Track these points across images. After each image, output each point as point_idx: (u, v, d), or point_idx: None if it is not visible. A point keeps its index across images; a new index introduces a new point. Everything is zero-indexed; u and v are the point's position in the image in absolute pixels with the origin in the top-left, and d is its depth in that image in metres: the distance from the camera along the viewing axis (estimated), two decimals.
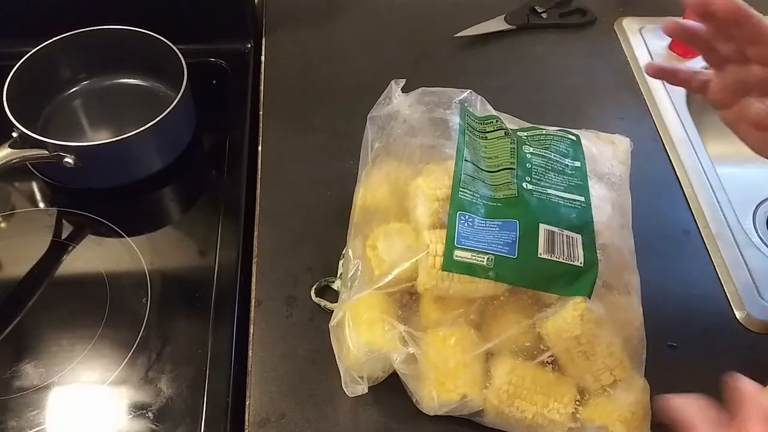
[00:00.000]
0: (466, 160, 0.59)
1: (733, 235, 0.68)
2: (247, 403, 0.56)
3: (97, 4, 0.80)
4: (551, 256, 0.53)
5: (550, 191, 0.58)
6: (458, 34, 0.86)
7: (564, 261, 0.53)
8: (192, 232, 0.69)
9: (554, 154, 0.62)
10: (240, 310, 0.63)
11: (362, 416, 0.55)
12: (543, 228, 0.55)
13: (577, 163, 0.61)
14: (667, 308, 0.62)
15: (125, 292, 0.64)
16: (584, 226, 0.56)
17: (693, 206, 0.71)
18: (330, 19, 0.89)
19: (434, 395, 0.51)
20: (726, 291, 0.64)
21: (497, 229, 0.54)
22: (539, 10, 0.90)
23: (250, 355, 0.59)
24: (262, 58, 0.84)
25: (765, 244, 0.75)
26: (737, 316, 0.63)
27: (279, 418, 0.55)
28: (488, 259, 0.52)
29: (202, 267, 0.66)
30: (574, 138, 0.64)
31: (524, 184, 0.58)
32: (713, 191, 0.71)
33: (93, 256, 0.67)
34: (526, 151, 0.61)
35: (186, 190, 0.74)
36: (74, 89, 0.79)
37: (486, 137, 0.62)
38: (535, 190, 0.58)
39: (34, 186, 0.73)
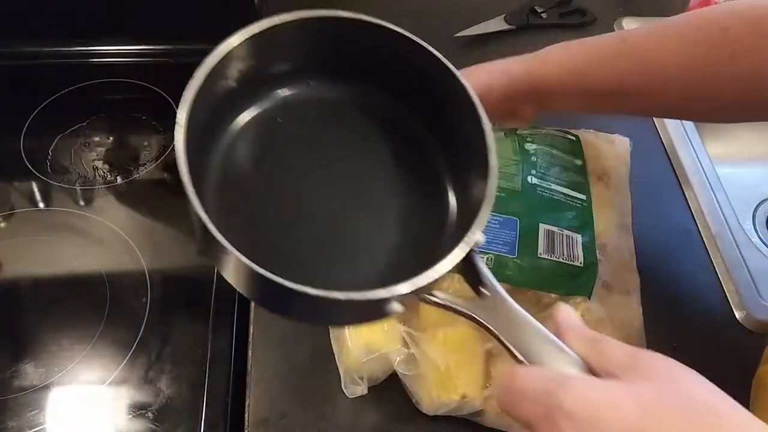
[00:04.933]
0: None
1: (732, 235, 0.68)
2: (247, 403, 0.56)
3: (98, 5, 0.80)
4: (551, 256, 0.53)
5: (553, 187, 0.58)
6: (458, 34, 0.86)
7: (564, 261, 0.53)
8: (192, 232, 0.69)
9: (557, 150, 0.61)
10: (240, 309, 0.63)
11: (362, 416, 0.55)
12: (543, 228, 0.54)
13: (579, 162, 0.61)
14: (667, 308, 0.62)
15: (125, 292, 0.64)
16: (584, 226, 0.56)
17: (693, 206, 0.71)
18: None
19: (434, 396, 0.51)
20: (726, 291, 0.64)
21: (498, 226, 0.54)
22: (539, 10, 0.90)
23: (250, 355, 0.59)
24: None
25: (765, 244, 0.75)
26: (737, 316, 0.63)
27: (279, 418, 0.55)
28: (488, 258, 0.52)
29: (202, 267, 0.66)
30: (573, 138, 0.64)
31: (529, 178, 0.57)
32: (713, 191, 0.71)
33: (93, 256, 0.67)
34: (529, 148, 0.61)
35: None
36: None
37: None
38: (539, 185, 0.57)
39: (34, 186, 0.73)
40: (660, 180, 0.73)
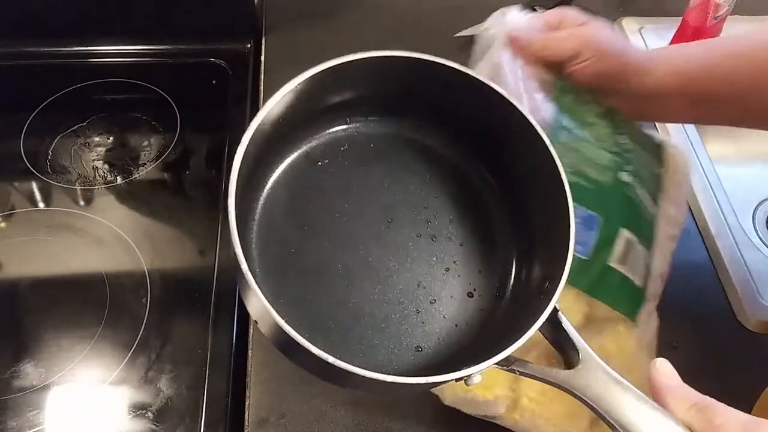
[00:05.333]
0: (562, 127, 0.50)
1: (732, 235, 0.68)
2: (247, 402, 0.56)
3: (98, 5, 0.80)
4: (621, 267, 0.48)
5: (640, 191, 0.51)
6: (458, 34, 0.86)
7: (630, 277, 0.49)
8: (192, 232, 0.69)
9: (646, 151, 0.54)
10: (240, 309, 0.63)
11: (362, 416, 0.55)
12: (624, 234, 0.49)
13: (660, 170, 0.55)
14: (667, 308, 0.62)
15: (125, 292, 0.64)
16: (651, 242, 0.51)
17: (693, 206, 0.70)
18: (330, 19, 0.89)
19: (462, 389, 0.47)
20: (726, 291, 0.64)
21: (578, 220, 0.44)
22: (539, 11, 0.90)
23: (250, 354, 0.59)
24: (262, 58, 0.84)
25: (765, 244, 0.75)
26: (737, 316, 0.63)
27: (279, 418, 0.55)
28: None
29: (201, 267, 0.66)
30: (658, 142, 0.57)
31: (621, 174, 0.50)
32: (713, 191, 0.71)
33: (93, 256, 0.67)
34: (624, 140, 0.53)
35: (186, 190, 0.74)
36: None
37: (588, 108, 0.52)
38: (629, 185, 0.51)
39: (34, 186, 0.73)
40: None
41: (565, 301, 0.39)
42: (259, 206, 0.44)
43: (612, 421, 0.33)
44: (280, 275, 0.42)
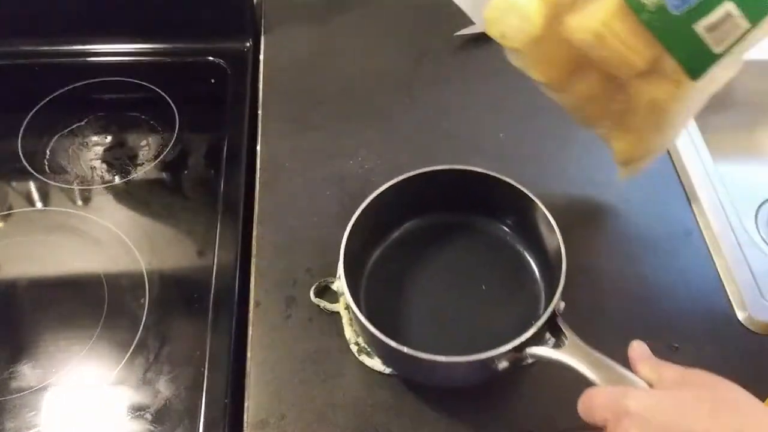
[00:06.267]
0: None
1: (735, 235, 0.68)
2: (246, 404, 0.56)
3: (98, 5, 0.80)
4: (707, 34, 0.50)
5: None
6: (458, 34, 0.86)
7: (708, 43, 0.51)
8: (190, 232, 0.69)
9: None
10: (239, 310, 0.62)
11: (362, 416, 0.55)
12: (725, 6, 0.49)
13: None
14: (669, 308, 0.62)
15: (123, 292, 0.64)
16: (759, 20, 0.51)
17: (695, 206, 0.70)
18: (330, 19, 0.89)
19: None
20: (728, 291, 0.64)
21: None
22: None
23: (249, 356, 0.59)
24: (261, 57, 0.84)
25: (767, 244, 0.75)
26: (739, 317, 0.62)
27: (278, 419, 0.55)
28: (655, 2, 0.49)
29: (200, 267, 0.66)
30: None
31: None
32: (715, 191, 0.71)
33: (91, 257, 0.67)
34: None
35: (184, 190, 0.74)
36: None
37: None
38: None
39: (33, 186, 0.72)
40: (662, 179, 0.73)
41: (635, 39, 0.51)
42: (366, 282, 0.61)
43: (596, 381, 0.46)
44: (388, 317, 0.57)
